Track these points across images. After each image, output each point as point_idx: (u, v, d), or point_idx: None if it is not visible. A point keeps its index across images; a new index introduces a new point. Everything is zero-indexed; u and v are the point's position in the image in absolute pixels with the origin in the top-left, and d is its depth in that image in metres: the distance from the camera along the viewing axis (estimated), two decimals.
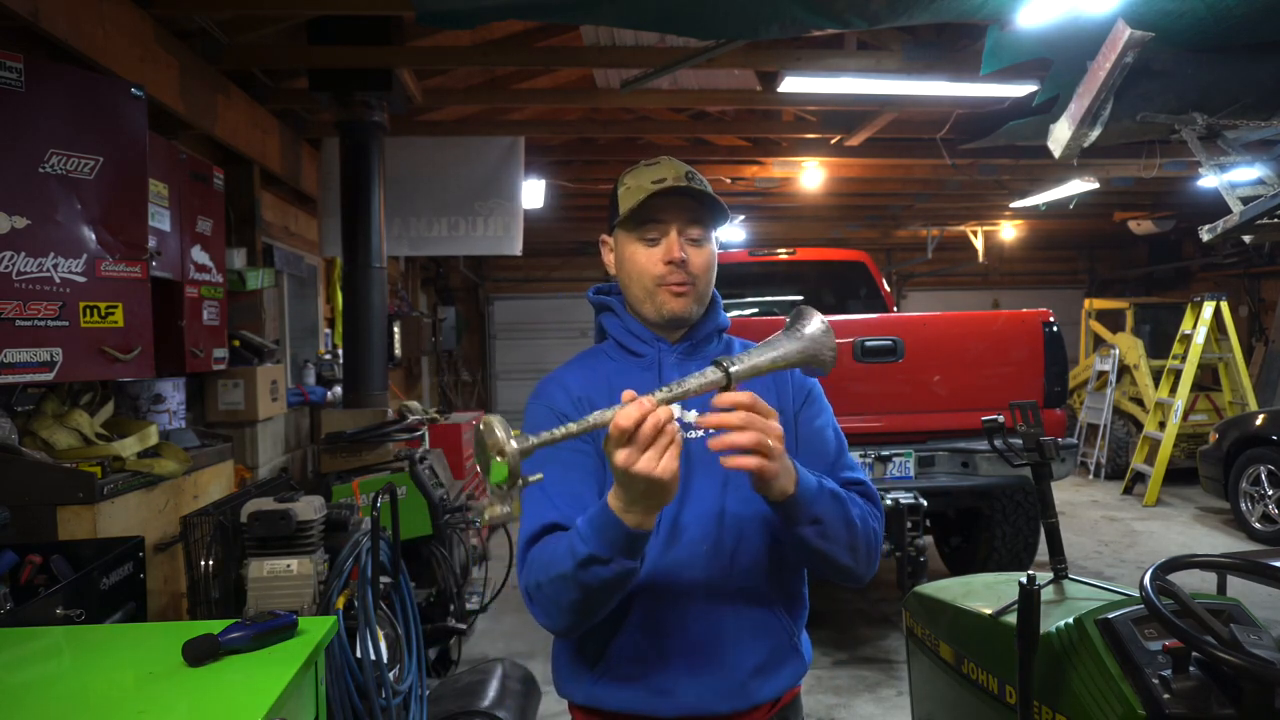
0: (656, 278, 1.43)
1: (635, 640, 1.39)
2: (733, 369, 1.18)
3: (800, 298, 6.90)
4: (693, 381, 1.16)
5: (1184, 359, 8.19)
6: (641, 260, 1.44)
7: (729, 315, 1.60)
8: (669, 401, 1.13)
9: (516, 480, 1.05)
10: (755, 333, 1.59)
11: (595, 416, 1.11)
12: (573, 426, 1.11)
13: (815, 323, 1.21)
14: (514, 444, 1.03)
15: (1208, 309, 8.10)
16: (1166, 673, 1.80)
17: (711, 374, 1.17)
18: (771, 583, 1.43)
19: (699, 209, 1.43)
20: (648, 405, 1.10)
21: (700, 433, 1.40)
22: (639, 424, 1.09)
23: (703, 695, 1.38)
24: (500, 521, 0.99)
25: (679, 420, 1.39)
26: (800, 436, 1.48)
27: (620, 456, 1.10)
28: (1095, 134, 3.40)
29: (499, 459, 1.03)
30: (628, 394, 1.12)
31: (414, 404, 5.41)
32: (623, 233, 1.47)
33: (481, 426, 1.07)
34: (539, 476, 1.12)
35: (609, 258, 1.53)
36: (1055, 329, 4.61)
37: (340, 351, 5.43)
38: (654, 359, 1.48)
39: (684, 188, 1.40)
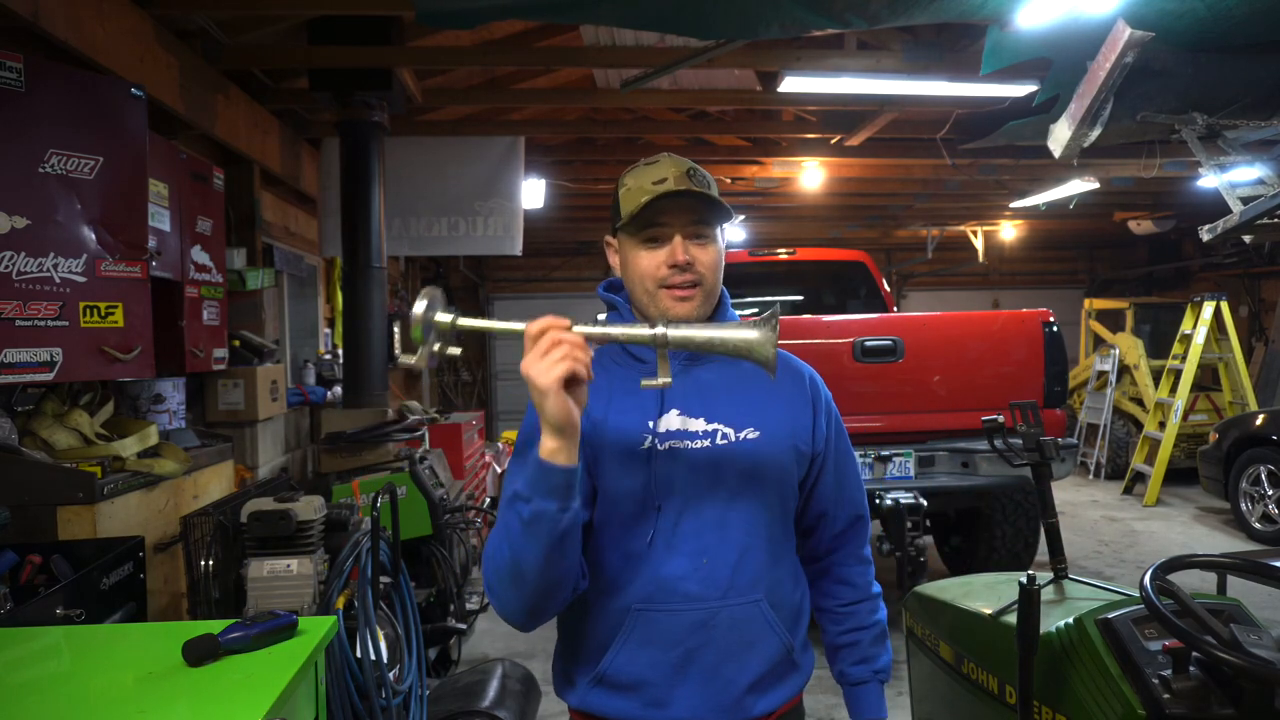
0: (659, 280, 1.40)
1: (631, 649, 1.38)
2: (668, 332, 1.21)
3: (800, 298, 6.91)
4: (619, 329, 1.22)
5: (1184, 359, 8.19)
6: (644, 263, 1.41)
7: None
8: (589, 337, 1.20)
9: (425, 339, 1.25)
10: None
11: (516, 324, 1.23)
12: (496, 325, 1.25)
13: (764, 327, 1.22)
14: (422, 312, 1.24)
15: (1208, 309, 8.10)
16: (1166, 673, 1.80)
17: (642, 329, 1.22)
18: (772, 598, 1.42)
19: (703, 208, 1.40)
20: (557, 321, 1.17)
21: (705, 444, 1.40)
22: (542, 333, 1.17)
23: (697, 708, 1.37)
24: (406, 366, 1.15)
25: (681, 431, 1.39)
26: (828, 466, 1.51)
27: (523, 362, 1.18)
28: (1095, 134, 3.40)
29: (413, 322, 1.25)
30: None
31: (414, 404, 5.42)
32: (625, 235, 1.44)
33: (422, 293, 1.25)
34: (457, 351, 1.27)
35: (614, 259, 1.50)
36: (1055, 329, 4.60)
37: (340, 351, 5.43)
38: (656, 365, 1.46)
39: (684, 191, 1.37)
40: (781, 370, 1.52)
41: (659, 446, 1.38)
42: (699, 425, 1.41)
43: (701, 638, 1.37)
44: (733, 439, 1.41)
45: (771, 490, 1.42)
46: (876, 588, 1.57)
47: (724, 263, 1.48)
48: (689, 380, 1.43)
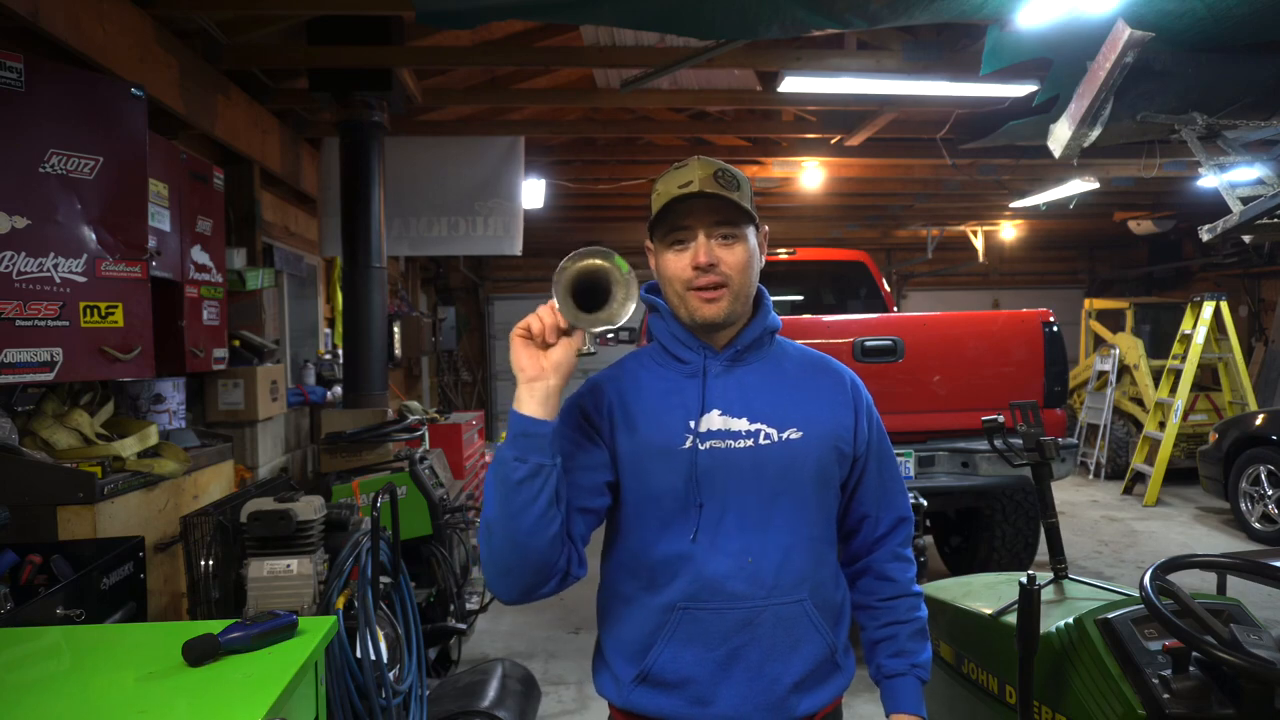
0: (685, 282, 1.41)
1: (676, 648, 1.39)
2: (572, 323, 1.33)
3: (800, 298, 6.91)
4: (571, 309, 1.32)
5: (1184, 359, 8.18)
6: (671, 266, 1.43)
7: None
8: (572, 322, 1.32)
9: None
10: None
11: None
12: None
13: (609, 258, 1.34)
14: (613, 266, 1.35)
15: (1208, 309, 8.10)
16: (1166, 673, 1.80)
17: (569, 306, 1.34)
18: (816, 599, 1.43)
19: (728, 209, 1.40)
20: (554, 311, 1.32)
21: (748, 443, 1.40)
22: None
23: (741, 707, 1.38)
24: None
25: (723, 431, 1.41)
26: (869, 468, 1.51)
27: None
28: (1095, 134, 3.40)
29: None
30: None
31: (414, 404, 5.42)
32: (657, 239, 1.46)
33: (621, 263, 1.35)
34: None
35: (653, 263, 1.52)
36: (1055, 329, 4.60)
37: (340, 351, 5.43)
38: (698, 366, 1.45)
39: (698, 194, 1.37)
40: (822, 371, 1.53)
41: (700, 446, 1.39)
42: (742, 425, 1.42)
43: (746, 636, 1.38)
44: (775, 439, 1.42)
45: (814, 490, 1.44)
46: (917, 587, 1.57)
47: (760, 262, 1.47)
48: (731, 380, 1.44)
